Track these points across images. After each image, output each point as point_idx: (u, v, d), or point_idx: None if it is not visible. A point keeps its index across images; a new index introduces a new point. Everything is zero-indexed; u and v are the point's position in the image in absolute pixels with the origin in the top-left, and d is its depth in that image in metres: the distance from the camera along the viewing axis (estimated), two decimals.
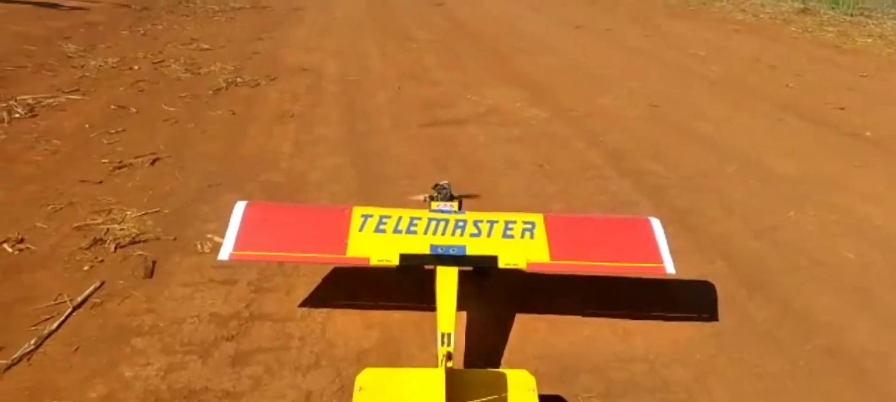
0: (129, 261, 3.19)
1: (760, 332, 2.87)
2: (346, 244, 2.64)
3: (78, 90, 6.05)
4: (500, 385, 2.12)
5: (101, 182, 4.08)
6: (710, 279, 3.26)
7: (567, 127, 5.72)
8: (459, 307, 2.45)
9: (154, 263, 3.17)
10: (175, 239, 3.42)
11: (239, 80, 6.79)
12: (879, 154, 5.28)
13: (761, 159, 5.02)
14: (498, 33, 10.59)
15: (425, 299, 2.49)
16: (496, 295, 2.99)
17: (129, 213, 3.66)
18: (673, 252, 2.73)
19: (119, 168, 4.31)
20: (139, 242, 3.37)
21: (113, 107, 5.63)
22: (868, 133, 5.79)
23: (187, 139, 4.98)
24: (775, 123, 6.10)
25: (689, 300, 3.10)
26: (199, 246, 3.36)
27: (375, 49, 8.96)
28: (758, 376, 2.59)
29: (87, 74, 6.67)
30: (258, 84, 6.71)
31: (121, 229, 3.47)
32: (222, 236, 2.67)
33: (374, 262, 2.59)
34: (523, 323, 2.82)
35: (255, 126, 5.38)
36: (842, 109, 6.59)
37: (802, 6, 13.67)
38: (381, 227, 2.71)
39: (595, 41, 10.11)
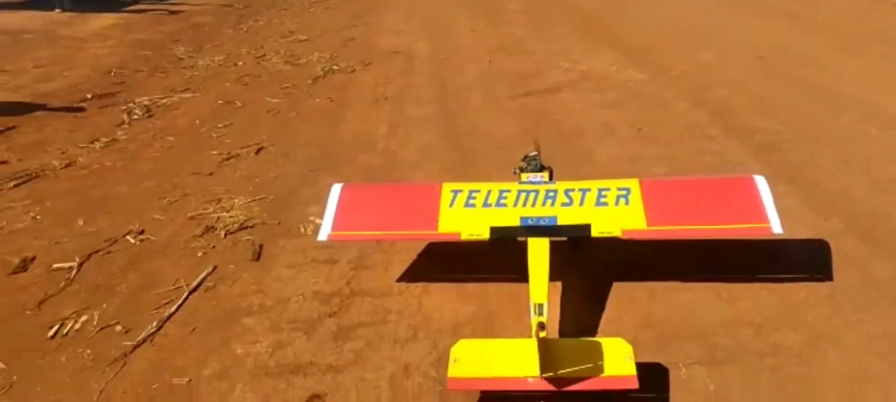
0: (238, 246, 3.37)
1: (882, 291, 2.66)
2: (438, 220, 2.68)
3: (188, 89, 6.43)
4: (596, 354, 2.09)
5: (211, 174, 4.33)
6: (824, 237, 3.06)
7: (667, 87, 5.50)
8: (555, 277, 2.44)
9: (261, 246, 3.35)
10: (279, 223, 3.59)
11: (335, 67, 6.99)
12: None
13: (882, 106, 4.63)
14: None
15: (521, 271, 2.49)
16: (592, 264, 2.93)
17: (237, 201, 3.87)
18: (783, 211, 2.58)
19: (227, 159, 4.55)
20: (247, 227, 3.56)
21: (220, 102, 5.95)
22: None
23: (289, 128, 5.18)
24: None
25: (801, 261, 2.92)
26: (301, 229, 3.51)
27: (465, 25, 8.94)
28: (878, 337, 2.41)
29: (196, 73, 7.07)
30: (353, 70, 6.87)
31: (230, 217, 3.68)
32: (323, 218, 2.79)
33: (464, 236, 2.61)
34: (621, 291, 2.76)
35: (352, 111, 5.52)
36: None
37: None
38: (471, 201, 2.73)
39: None
